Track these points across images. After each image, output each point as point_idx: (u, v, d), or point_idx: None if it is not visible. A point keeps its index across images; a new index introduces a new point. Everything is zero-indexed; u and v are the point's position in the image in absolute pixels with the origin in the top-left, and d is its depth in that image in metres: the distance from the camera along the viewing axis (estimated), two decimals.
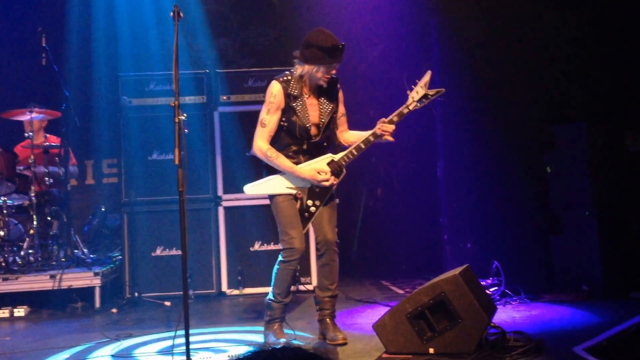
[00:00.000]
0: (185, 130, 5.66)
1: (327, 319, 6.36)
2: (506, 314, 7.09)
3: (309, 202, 6.15)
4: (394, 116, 6.07)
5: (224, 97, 9.12)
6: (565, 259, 8.29)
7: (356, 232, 11.50)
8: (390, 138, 6.10)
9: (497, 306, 6.69)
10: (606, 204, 7.89)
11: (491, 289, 7.74)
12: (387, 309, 6.29)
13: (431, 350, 5.60)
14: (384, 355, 5.73)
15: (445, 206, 8.98)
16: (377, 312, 7.14)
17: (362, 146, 6.10)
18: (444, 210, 9.02)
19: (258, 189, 6.25)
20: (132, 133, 9.02)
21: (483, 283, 7.34)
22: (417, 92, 6.06)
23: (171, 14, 5.74)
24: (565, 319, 6.96)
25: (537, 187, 8.66)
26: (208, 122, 9.12)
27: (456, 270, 5.85)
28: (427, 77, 6.07)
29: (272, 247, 8.86)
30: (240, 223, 9.04)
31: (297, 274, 8.76)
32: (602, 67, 8.62)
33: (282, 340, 6.23)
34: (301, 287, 8.87)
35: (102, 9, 10.93)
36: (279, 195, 6.16)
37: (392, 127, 6.06)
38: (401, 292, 8.69)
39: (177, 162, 5.47)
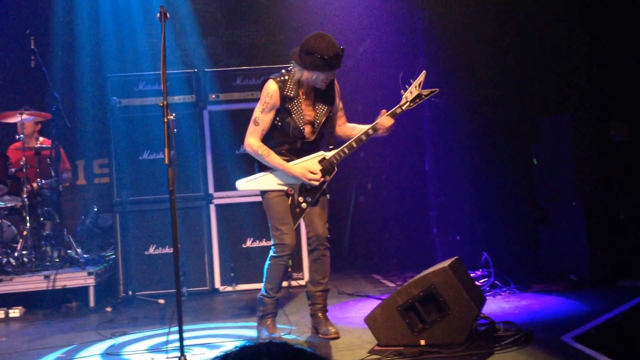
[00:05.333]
0: (175, 130, 5.70)
1: (320, 314, 6.41)
2: (496, 305, 7.16)
3: (300, 199, 6.19)
4: (387, 115, 6.11)
5: (213, 96, 9.17)
6: (552, 249, 8.38)
7: (347, 227, 11.57)
8: (385, 132, 6.15)
9: (487, 297, 6.76)
10: (592, 194, 7.97)
11: (481, 281, 7.82)
12: (378, 302, 6.34)
13: (422, 342, 5.67)
14: (376, 348, 5.79)
15: (434, 200, 9.05)
16: (369, 306, 7.18)
17: (354, 145, 6.13)
18: (433, 203, 9.08)
19: (250, 185, 6.29)
20: (122, 133, 9.06)
21: (472, 275, 7.44)
22: (411, 92, 6.08)
23: (158, 15, 5.77)
24: (553, 308, 7.04)
25: (524, 179, 8.74)
26: (198, 121, 9.17)
27: (445, 263, 5.92)
28: (421, 77, 6.09)
29: (263, 243, 8.92)
30: (231, 220, 9.10)
31: (290, 269, 8.84)
32: (585, 59, 8.69)
33: (275, 335, 6.29)
34: (293, 283, 8.94)
35: (90, 11, 10.96)
36: (271, 191, 6.20)
37: (391, 121, 6.09)
38: (392, 285, 8.75)
39: (167, 161, 5.52)
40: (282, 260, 6.20)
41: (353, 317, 7.11)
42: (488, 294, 7.52)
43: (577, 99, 8.60)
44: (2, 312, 8.25)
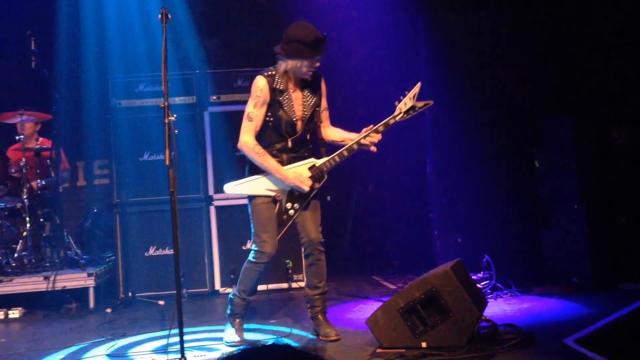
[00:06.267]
0: (176, 131, 5.69)
1: (320, 316, 6.40)
2: (497, 307, 7.15)
3: (288, 205, 6.17)
4: (379, 126, 6.06)
5: (214, 97, 9.16)
6: (554, 251, 8.36)
7: (348, 228, 11.55)
8: (373, 148, 6.12)
9: (489, 300, 6.76)
10: (594, 196, 7.96)
11: (482, 283, 7.81)
12: (379, 304, 6.33)
13: (424, 345, 5.65)
14: (378, 350, 5.77)
15: (435, 202, 9.04)
16: (370, 308, 7.19)
17: (345, 154, 6.10)
18: (434, 205, 9.07)
19: (238, 189, 6.29)
20: (123, 134, 9.05)
21: (474, 277, 7.41)
22: (405, 104, 6.06)
23: (159, 16, 5.77)
24: (555, 311, 7.03)
25: (526, 181, 8.74)
26: (198, 122, 9.16)
27: (447, 265, 5.91)
28: (416, 89, 6.07)
29: None
30: (231, 222, 9.08)
31: (290, 270, 8.84)
32: (587, 62, 8.68)
33: (238, 339, 6.29)
34: (293, 284, 8.92)
35: (91, 12, 10.93)
36: (258, 196, 6.18)
37: (378, 137, 6.08)
38: (393, 287, 8.74)
39: (167, 162, 5.51)
40: (259, 267, 6.20)
41: (354, 319, 7.10)
42: (489, 296, 7.52)
43: (579, 101, 8.60)
44: (2, 313, 8.22)
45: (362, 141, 6.08)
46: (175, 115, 5.68)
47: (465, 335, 5.60)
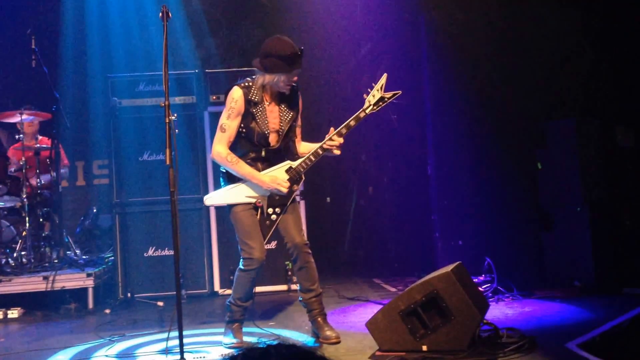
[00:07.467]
0: (176, 131, 5.67)
1: (319, 318, 6.37)
2: (499, 311, 7.12)
3: (270, 210, 6.16)
4: (351, 120, 6.07)
5: (214, 97, 9.11)
6: (557, 255, 8.32)
7: (348, 231, 11.52)
8: (337, 152, 6.12)
9: (490, 303, 6.72)
10: (597, 199, 7.92)
11: (484, 286, 7.77)
12: (379, 307, 6.30)
13: (424, 348, 5.61)
14: (378, 353, 5.74)
15: (436, 204, 8.99)
16: (370, 310, 7.15)
17: (320, 152, 6.10)
18: (435, 207, 9.02)
19: (219, 199, 6.29)
20: (123, 134, 9.02)
21: (475, 280, 7.38)
22: (374, 96, 6.08)
23: (160, 14, 5.75)
24: (557, 315, 7.00)
25: (528, 183, 8.69)
26: (198, 122, 9.13)
27: (448, 268, 5.86)
28: (382, 80, 6.10)
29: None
30: (231, 223, 9.01)
31: (289, 272, 8.80)
32: (592, 64, 8.65)
33: (238, 340, 6.29)
34: (293, 286, 8.86)
35: (93, 11, 10.93)
36: (238, 204, 6.17)
37: (339, 141, 6.07)
38: (393, 290, 8.70)
39: (168, 162, 5.48)
40: (250, 274, 6.21)
41: (354, 322, 7.06)
42: (491, 299, 7.48)
43: (583, 103, 8.56)
44: (1, 312, 8.19)
45: (325, 146, 6.09)
46: (175, 115, 5.67)
47: (467, 338, 5.56)
